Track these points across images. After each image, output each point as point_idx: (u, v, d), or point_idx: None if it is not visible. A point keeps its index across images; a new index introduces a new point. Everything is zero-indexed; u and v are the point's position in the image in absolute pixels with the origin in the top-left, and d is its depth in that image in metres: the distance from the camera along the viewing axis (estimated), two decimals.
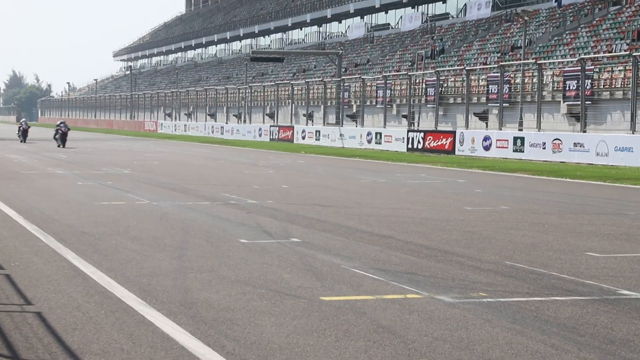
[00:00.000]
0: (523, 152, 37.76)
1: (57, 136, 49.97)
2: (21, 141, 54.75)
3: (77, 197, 19.32)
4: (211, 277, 9.86)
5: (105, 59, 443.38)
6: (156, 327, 7.59)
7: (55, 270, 10.30)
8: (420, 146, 44.98)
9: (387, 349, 6.98)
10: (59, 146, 48.69)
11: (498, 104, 43.22)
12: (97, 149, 48.43)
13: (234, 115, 78.50)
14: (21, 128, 56.05)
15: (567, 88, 41.46)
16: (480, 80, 50.93)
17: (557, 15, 60.38)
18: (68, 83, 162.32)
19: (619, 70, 42.14)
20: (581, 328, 7.71)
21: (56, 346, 6.97)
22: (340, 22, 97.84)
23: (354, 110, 60.36)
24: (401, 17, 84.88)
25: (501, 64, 46.31)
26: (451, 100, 53.20)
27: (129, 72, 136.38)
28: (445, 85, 52.79)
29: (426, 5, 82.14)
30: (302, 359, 6.65)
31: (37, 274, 10.06)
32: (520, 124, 42.57)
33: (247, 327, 7.61)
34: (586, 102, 38.39)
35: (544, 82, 44.35)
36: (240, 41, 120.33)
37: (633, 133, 34.26)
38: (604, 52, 47.30)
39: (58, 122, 51.69)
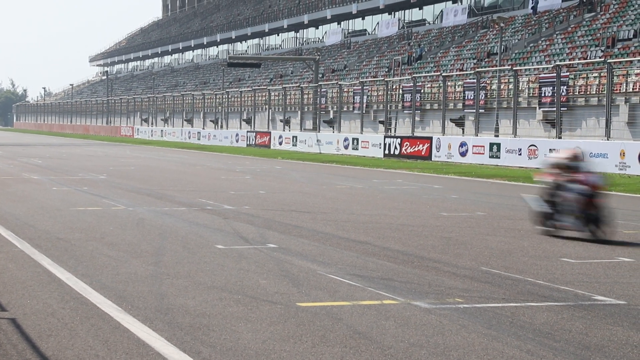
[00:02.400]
0: (499, 158, 37.92)
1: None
2: None
3: (52, 203, 19.21)
4: (187, 283, 9.84)
5: (81, 64, 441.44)
6: (132, 333, 7.56)
7: (30, 276, 10.24)
8: (397, 152, 45.06)
9: (363, 355, 6.99)
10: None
11: (474, 110, 43.37)
12: (73, 154, 48.17)
13: (210, 120, 78.34)
14: None
15: (543, 94, 41.67)
16: (456, 87, 51.11)
17: (533, 22, 60.73)
18: (44, 88, 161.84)
19: (594, 77, 42.42)
20: (556, 334, 7.75)
21: (30, 352, 6.93)
22: (317, 28, 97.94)
23: (331, 116, 60.41)
24: (378, 23, 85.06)
25: (477, 70, 46.50)
26: (428, 106, 53.34)
27: (105, 77, 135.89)
28: (422, 91, 52.93)
29: (403, 11, 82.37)
30: None
31: (11, 280, 10.00)
32: (497, 130, 42.73)
33: (224, 333, 7.60)
34: (561, 109, 38.59)
35: (520, 89, 44.56)
36: (217, 46, 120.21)
37: (608, 139, 34.48)
38: (579, 59, 47.61)
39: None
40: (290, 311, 8.48)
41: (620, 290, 9.81)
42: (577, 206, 13.78)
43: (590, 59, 46.57)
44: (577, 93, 42.69)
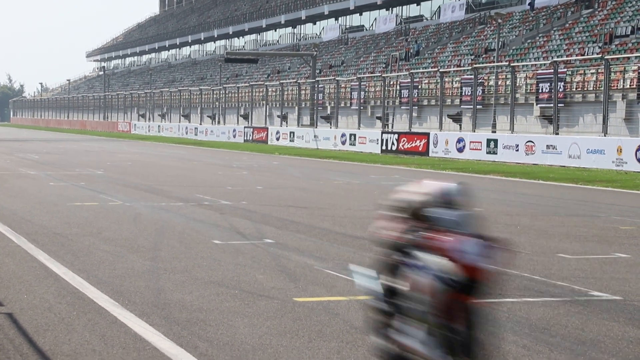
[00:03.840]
0: (496, 154, 37.92)
1: None
2: None
3: (49, 198, 19.20)
4: (184, 278, 9.84)
5: (78, 59, 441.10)
6: (129, 328, 7.57)
7: (27, 271, 10.24)
8: (394, 148, 45.06)
9: (360, 349, 7.00)
10: None
11: (472, 106, 43.38)
12: (70, 149, 48.13)
13: (208, 116, 78.29)
14: None
15: (540, 90, 41.67)
16: (454, 83, 51.09)
17: (530, 18, 60.72)
18: (41, 83, 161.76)
19: (591, 73, 42.43)
20: (552, 329, 7.76)
21: (27, 347, 6.93)
22: (315, 24, 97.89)
23: (329, 112, 60.40)
24: (375, 19, 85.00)
25: (475, 66, 46.48)
26: (425, 102, 53.33)
27: (102, 72, 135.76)
28: (420, 87, 52.92)
29: (400, 7, 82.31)
30: None
31: (8, 274, 9.99)
32: (494, 126, 42.72)
33: (220, 328, 7.60)
34: (559, 105, 38.61)
35: (517, 85, 44.56)
36: (215, 42, 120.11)
37: (605, 135, 34.51)
38: (577, 55, 47.61)
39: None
40: (287, 306, 8.49)
41: (617, 286, 9.82)
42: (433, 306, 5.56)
43: (587, 55, 46.58)
44: (574, 89, 42.70)
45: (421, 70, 56.55)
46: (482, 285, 5.22)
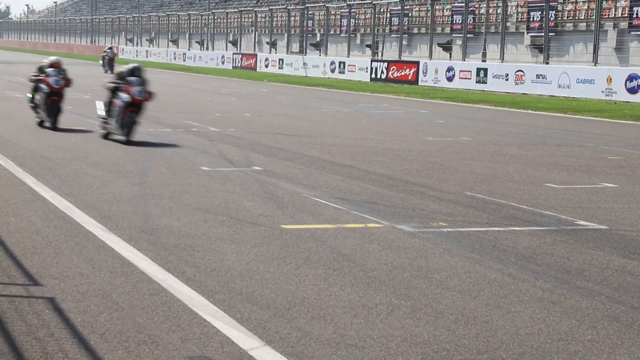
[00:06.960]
0: (486, 83, 37.81)
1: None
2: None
3: (36, 121, 19.08)
4: (172, 204, 9.84)
5: None
6: (116, 252, 7.58)
7: (14, 194, 10.22)
8: (383, 76, 44.85)
9: (346, 276, 7.04)
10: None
11: (462, 35, 43.11)
12: None
13: (196, 42, 77.60)
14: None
15: (531, 19, 41.38)
16: (444, 11, 50.65)
17: None
18: (27, 5, 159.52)
19: (583, 2, 42.10)
20: (538, 258, 7.82)
21: (15, 270, 6.94)
22: None
23: (318, 39, 59.94)
24: None
25: None
26: (415, 31, 52.93)
27: None
28: (410, 14, 52.48)
29: None
30: (262, 286, 6.69)
31: None
32: (484, 55, 42.50)
33: (208, 254, 7.63)
34: (549, 34, 38.39)
35: (508, 13, 44.23)
36: None
37: (595, 65, 34.41)
38: None
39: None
40: (274, 233, 8.51)
41: (603, 216, 9.88)
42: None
43: None
44: (565, 18, 42.40)
45: None
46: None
